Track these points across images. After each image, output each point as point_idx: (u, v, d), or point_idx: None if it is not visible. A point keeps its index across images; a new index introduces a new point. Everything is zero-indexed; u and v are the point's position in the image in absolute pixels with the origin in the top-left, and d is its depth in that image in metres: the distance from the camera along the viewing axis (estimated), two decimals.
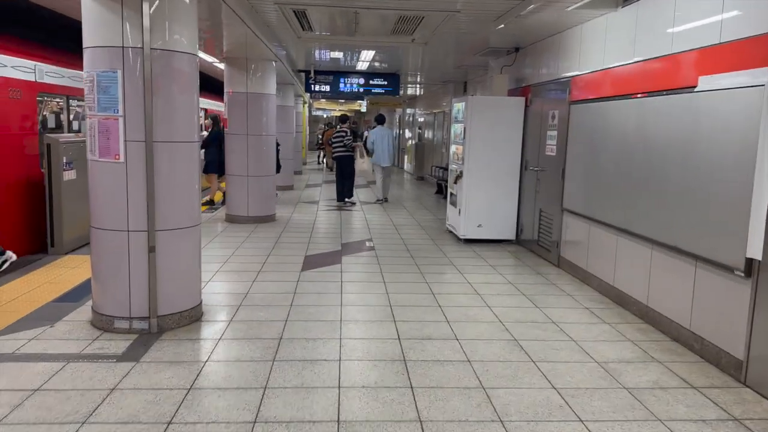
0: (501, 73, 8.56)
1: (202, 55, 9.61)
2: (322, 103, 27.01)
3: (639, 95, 5.09)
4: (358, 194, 13.50)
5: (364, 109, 29.23)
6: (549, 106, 7.14)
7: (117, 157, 4.09)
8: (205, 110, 16.28)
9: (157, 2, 4.04)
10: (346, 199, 11.87)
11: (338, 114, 38.77)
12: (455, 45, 8.49)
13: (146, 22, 3.96)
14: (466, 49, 8.80)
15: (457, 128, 8.47)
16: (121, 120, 4.06)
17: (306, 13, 6.24)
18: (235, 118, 9.06)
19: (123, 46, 4.00)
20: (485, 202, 8.00)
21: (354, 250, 7.42)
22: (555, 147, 6.92)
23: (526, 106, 7.87)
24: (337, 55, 9.82)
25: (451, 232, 8.69)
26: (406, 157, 21.88)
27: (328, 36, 7.92)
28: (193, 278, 4.56)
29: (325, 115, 41.87)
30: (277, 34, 7.90)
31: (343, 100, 24.96)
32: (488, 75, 8.43)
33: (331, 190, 14.12)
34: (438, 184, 13.98)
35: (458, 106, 8.39)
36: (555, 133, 6.92)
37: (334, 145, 12.01)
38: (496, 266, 6.73)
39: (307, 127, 28.34)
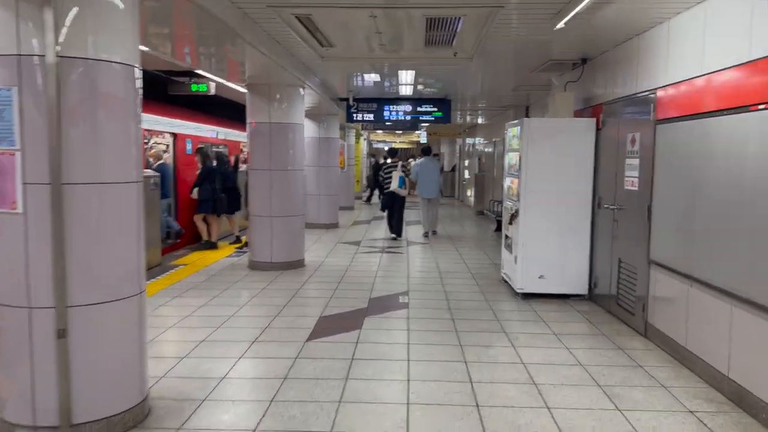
0: (565, 90, 7.10)
1: (230, 84, 8.69)
2: (379, 134, 25.96)
3: (761, 107, 3.55)
4: (407, 232, 12.18)
5: (423, 140, 28.05)
6: (627, 128, 5.62)
7: (13, 205, 2.97)
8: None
9: None
10: (394, 236, 11.14)
11: (400, 146, 37.96)
12: (509, 59, 7.13)
13: (49, 18, 2.86)
14: (523, 65, 7.42)
15: (511, 158, 7.03)
16: (18, 155, 2.95)
17: (313, 20, 5.08)
18: (258, 152, 8.01)
19: (19, 54, 2.91)
20: (548, 247, 6.48)
21: (382, 308, 6.07)
22: (637, 179, 5.37)
23: (598, 129, 6.36)
24: (374, 77, 8.65)
25: (506, 282, 7.19)
26: (467, 190, 20.44)
27: (353, 53, 6.74)
28: (130, 369, 3.34)
29: (386, 148, 41.13)
30: (294, 53, 6.81)
31: (400, 131, 23.86)
32: (551, 94, 7.03)
33: (379, 229, 12.91)
34: (497, 221, 12.44)
35: (512, 132, 6.98)
36: (636, 161, 5.38)
37: (384, 180, 11.22)
38: (562, 335, 5.19)
39: (366, 160, 27.43)
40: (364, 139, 26.27)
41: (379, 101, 11.14)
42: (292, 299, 6.38)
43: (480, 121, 17.57)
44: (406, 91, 10.12)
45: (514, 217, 6.71)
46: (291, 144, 8.11)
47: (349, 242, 10.93)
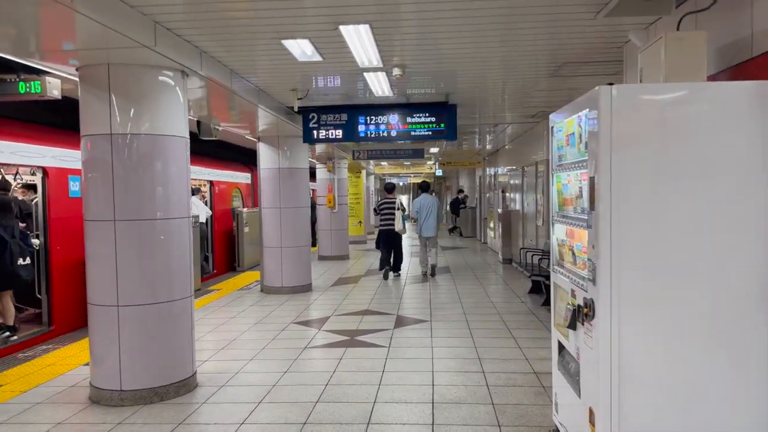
0: (678, 28, 3.38)
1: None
2: (385, 167, 22.12)
3: None
4: (402, 305, 8.46)
5: (439, 172, 24.36)
6: None
7: None
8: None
9: None
10: (393, 273, 10.85)
11: (415, 180, 34.18)
12: None
13: None
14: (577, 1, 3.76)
15: (564, 182, 3.31)
16: None
17: None
18: (96, 189, 4.44)
19: None
20: (669, 382, 2.69)
21: None
22: None
23: None
24: (305, 46, 4.97)
25: None
26: (489, 231, 16.62)
27: None
28: None
29: (401, 183, 37.41)
30: None
31: (408, 162, 20.16)
32: (643, 48, 3.40)
33: (368, 290, 9.26)
34: (533, 281, 8.61)
35: (567, 127, 3.27)
36: None
37: (381, 217, 10.90)
38: None
39: (372, 197, 23.84)
40: (370, 174, 22.75)
41: (350, 110, 7.55)
42: None
43: (504, 144, 13.91)
44: (382, 89, 6.49)
45: (581, 316, 2.94)
46: (161, 174, 4.52)
47: (310, 321, 7.23)
